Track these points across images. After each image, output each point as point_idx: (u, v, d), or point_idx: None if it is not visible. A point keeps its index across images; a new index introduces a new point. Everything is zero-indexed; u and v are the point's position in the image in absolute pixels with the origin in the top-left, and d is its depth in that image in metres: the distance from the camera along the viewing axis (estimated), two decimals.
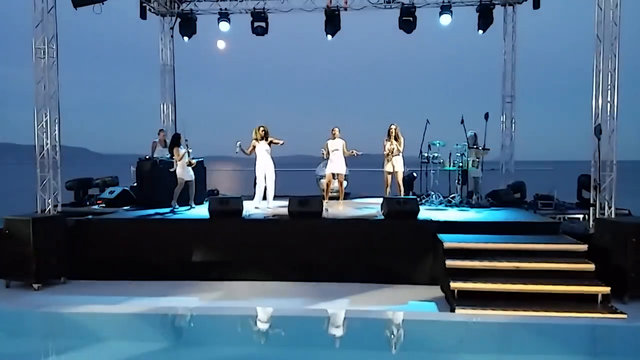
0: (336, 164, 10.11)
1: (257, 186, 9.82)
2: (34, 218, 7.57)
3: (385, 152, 10.14)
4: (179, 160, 9.53)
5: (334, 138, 10.14)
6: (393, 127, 10.09)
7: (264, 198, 9.86)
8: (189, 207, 9.73)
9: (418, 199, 8.77)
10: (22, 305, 6.76)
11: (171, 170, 9.65)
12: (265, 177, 9.78)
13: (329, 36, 11.93)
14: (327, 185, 10.29)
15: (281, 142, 9.86)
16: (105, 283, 7.75)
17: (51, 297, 7.27)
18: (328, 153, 10.16)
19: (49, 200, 8.87)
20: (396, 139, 10.06)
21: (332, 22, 11.75)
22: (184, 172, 9.57)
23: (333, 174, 10.25)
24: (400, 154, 10.12)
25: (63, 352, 5.30)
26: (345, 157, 10.33)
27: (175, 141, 9.65)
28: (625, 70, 8.30)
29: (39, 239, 7.43)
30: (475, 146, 10.44)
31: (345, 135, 10.51)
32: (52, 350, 5.34)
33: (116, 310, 6.13)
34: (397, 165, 10.12)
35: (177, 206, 9.50)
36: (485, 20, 11.49)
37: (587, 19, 8.63)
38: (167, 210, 9.41)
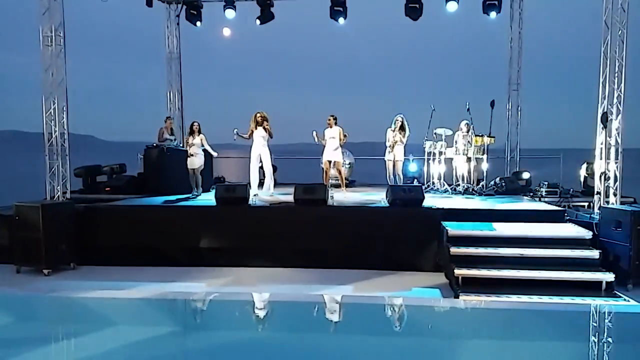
0: (332, 152, 10.11)
1: (250, 173, 9.88)
2: (43, 204, 7.67)
3: (388, 144, 10.17)
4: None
5: (331, 127, 10.13)
6: (399, 118, 10.06)
7: (261, 185, 9.93)
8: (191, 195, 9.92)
9: (423, 187, 8.80)
10: (32, 291, 6.87)
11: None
12: (261, 164, 9.85)
13: (341, 19, 11.68)
14: (326, 172, 10.31)
15: (269, 133, 9.85)
16: (113, 269, 7.86)
17: (61, 282, 7.39)
18: (324, 140, 10.15)
19: (58, 187, 8.96)
20: (401, 129, 10.05)
21: (338, 9, 11.66)
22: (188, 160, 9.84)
23: (329, 162, 10.26)
24: (403, 144, 10.12)
25: (73, 336, 5.38)
26: (341, 145, 10.31)
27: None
28: (632, 57, 8.23)
29: (49, 225, 7.54)
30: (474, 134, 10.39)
31: (350, 122, 10.50)
32: (62, 335, 5.42)
33: (124, 295, 6.22)
34: (397, 155, 10.13)
35: (195, 192, 9.89)
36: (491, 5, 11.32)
37: (596, 4, 8.55)
38: (187, 196, 9.85)
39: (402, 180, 10.26)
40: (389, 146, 10.13)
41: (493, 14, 11.31)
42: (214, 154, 10.27)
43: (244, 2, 12.18)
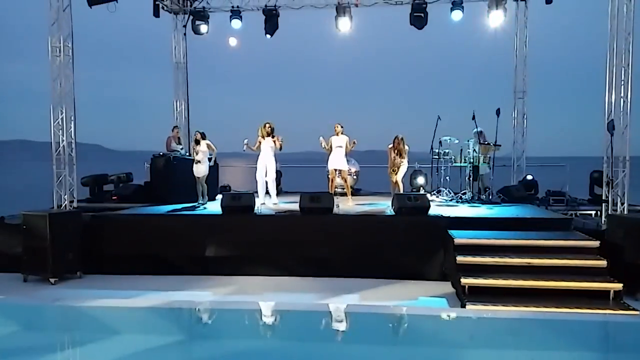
0: (338, 161, 10.12)
1: (258, 182, 9.93)
2: (50, 213, 7.70)
3: (389, 165, 10.05)
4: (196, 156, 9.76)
5: (338, 135, 10.15)
6: (398, 139, 9.89)
7: (268, 194, 9.96)
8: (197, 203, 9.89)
9: (429, 195, 8.78)
10: (39, 299, 6.89)
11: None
12: (266, 173, 9.88)
13: (345, 25, 11.73)
14: (332, 180, 10.32)
15: (279, 140, 9.88)
16: (120, 277, 7.87)
17: (68, 291, 7.40)
18: (330, 149, 10.16)
19: (65, 196, 9.03)
20: (400, 152, 9.88)
21: (343, 18, 11.72)
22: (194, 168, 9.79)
23: (336, 170, 10.27)
24: (405, 160, 10.01)
25: (79, 345, 5.38)
26: (347, 154, 10.27)
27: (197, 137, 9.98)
28: (638, 66, 8.23)
29: (56, 234, 7.57)
30: (485, 142, 10.38)
31: (356, 131, 10.52)
32: (69, 344, 5.43)
33: (131, 304, 6.23)
34: (401, 169, 10.04)
35: (201, 201, 9.79)
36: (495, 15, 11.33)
37: (601, 13, 8.57)
38: (193, 204, 9.73)
39: (406, 188, 10.19)
40: (390, 167, 10.02)
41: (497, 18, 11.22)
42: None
43: (250, 12, 12.28)
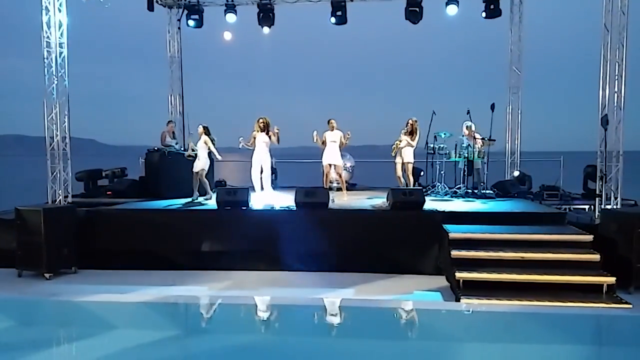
0: (332, 155, 10.13)
1: (252, 177, 9.87)
2: (45, 208, 7.68)
3: (393, 144, 10.26)
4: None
5: (332, 130, 10.16)
6: (411, 121, 10.16)
7: (262, 188, 9.92)
8: (208, 196, 9.83)
9: (424, 190, 8.80)
10: (34, 295, 6.89)
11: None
12: (261, 168, 9.81)
13: (334, 19, 11.76)
14: (326, 175, 10.33)
15: (275, 133, 9.84)
16: (115, 272, 7.86)
17: (62, 286, 7.39)
18: (324, 143, 10.17)
19: (60, 191, 9.00)
20: (412, 133, 10.13)
21: (339, 13, 11.70)
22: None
23: (330, 165, 10.29)
24: (412, 147, 10.15)
25: (74, 340, 5.39)
26: (341, 148, 10.30)
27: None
28: (632, 60, 8.26)
29: (50, 229, 7.54)
30: (480, 137, 10.40)
31: (351, 126, 10.55)
32: (64, 339, 5.43)
33: (126, 299, 6.23)
34: (406, 157, 10.15)
35: (197, 196, 9.68)
36: (491, 10, 11.36)
37: (595, 8, 8.59)
38: (188, 200, 9.57)
39: (413, 184, 10.24)
40: (393, 147, 10.25)
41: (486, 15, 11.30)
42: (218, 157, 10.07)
43: (245, 6, 12.24)
